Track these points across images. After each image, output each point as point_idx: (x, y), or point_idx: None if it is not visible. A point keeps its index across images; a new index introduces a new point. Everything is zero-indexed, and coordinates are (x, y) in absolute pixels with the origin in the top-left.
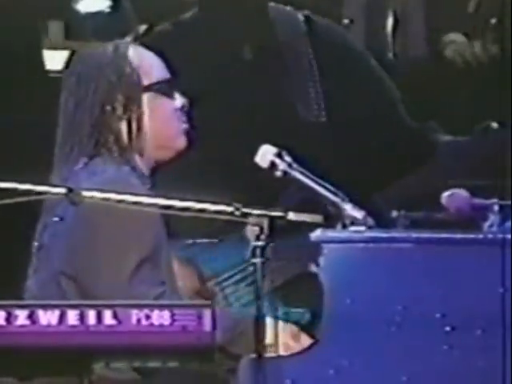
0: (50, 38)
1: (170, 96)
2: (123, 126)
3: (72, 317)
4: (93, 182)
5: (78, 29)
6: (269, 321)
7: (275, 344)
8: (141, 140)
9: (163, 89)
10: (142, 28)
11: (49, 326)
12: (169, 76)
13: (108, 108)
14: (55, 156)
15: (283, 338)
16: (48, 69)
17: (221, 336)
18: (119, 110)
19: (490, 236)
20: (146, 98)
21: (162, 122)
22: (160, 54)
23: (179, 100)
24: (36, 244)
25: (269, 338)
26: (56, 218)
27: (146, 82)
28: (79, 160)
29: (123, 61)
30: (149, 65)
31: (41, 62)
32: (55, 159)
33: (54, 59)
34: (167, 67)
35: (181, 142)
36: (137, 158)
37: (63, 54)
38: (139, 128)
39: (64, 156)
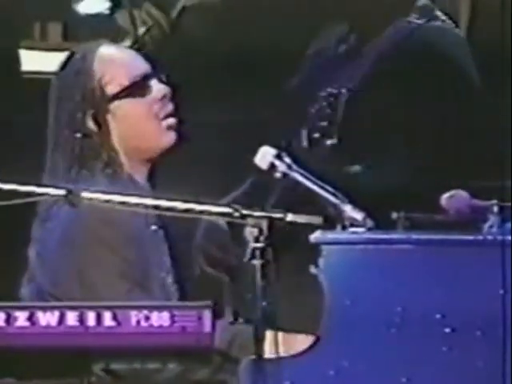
0: (48, 39)
1: (144, 94)
2: (98, 141)
3: (71, 318)
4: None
5: (78, 30)
6: (268, 333)
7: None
8: (118, 151)
9: (133, 91)
10: (141, 30)
11: (48, 327)
12: (144, 69)
13: (78, 126)
14: (45, 169)
15: (283, 347)
16: (44, 71)
17: (219, 344)
18: (90, 126)
19: (489, 237)
20: (114, 107)
21: (137, 125)
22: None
23: (158, 91)
24: (29, 254)
25: (268, 350)
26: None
27: (111, 92)
28: (64, 177)
29: (87, 74)
30: (115, 70)
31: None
32: (45, 172)
33: (51, 61)
34: (144, 58)
35: (166, 140)
36: (125, 165)
37: (61, 56)
38: (112, 139)
39: (52, 171)
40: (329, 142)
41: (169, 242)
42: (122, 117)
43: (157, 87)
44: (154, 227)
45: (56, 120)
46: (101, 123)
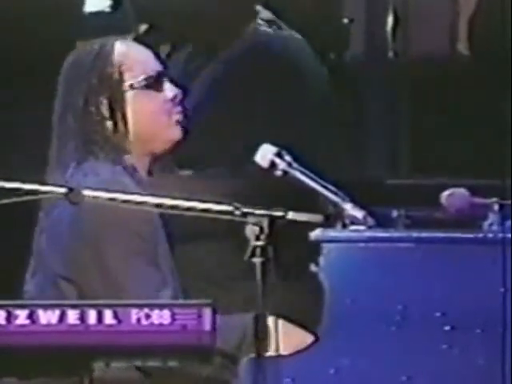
0: None
1: (158, 89)
2: (110, 126)
3: (72, 316)
4: (85, 184)
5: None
6: (270, 320)
7: (276, 344)
8: (128, 139)
9: (149, 84)
10: (143, 27)
11: (49, 325)
12: (158, 68)
13: (92, 110)
14: (49, 160)
15: (284, 337)
16: None
17: (221, 343)
18: (104, 111)
19: (490, 235)
20: (130, 96)
21: (149, 117)
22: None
23: (170, 91)
24: (34, 247)
25: (270, 338)
26: (51, 220)
27: (128, 81)
28: (70, 163)
29: (105, 61)
30: (133, 61)
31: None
32: (49, 163)
33: None
34: (158, 58)
35: (173, 134)
36: (130, 156)
37: None
38: (125, 127)
39: (56, 160)
40: None
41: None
42: (137, 107)
43: (169, 87)
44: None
45: (65, 104)
46: (115, 109)
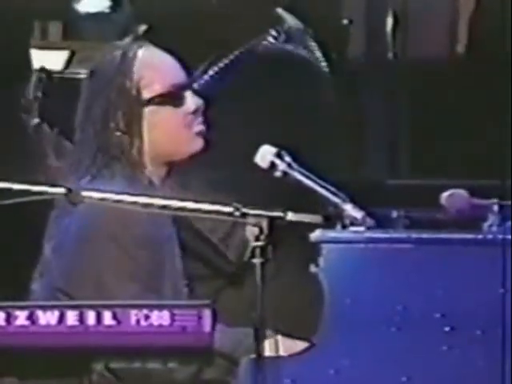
0: (49, 38)
1: (178, 104)
2: (126, 141)
3: (71, 317)
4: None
5: (78, 29)
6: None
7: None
8: (144, 153)
9: (167, 100)
10: (142, 28)
11: (48, 326)
12: (180, 80)
13: (111, 124)
14: (67, 163)
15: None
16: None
17: (221, 348)
18: (121, 126)
19: (489, 236)
20: (147, 111)
21: (168, 132)
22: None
23: (192, 103)
24: (44, 249)
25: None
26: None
27: (147, 96)
28: (85, 174)
29: (125, 74)
30: (154, 74)
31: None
32: (66, 166)
33: (52, 59)
34: (182, 67)
35: (194, 146)
36: (148, 168)
37: (62, 55)
38: (141, 142)
39: (73, 167)
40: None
41: (181, 244)
42: (155, 123)
43: (191, 99)
44: (169, 230)
45: (86, 114)
46: (132, 124)
